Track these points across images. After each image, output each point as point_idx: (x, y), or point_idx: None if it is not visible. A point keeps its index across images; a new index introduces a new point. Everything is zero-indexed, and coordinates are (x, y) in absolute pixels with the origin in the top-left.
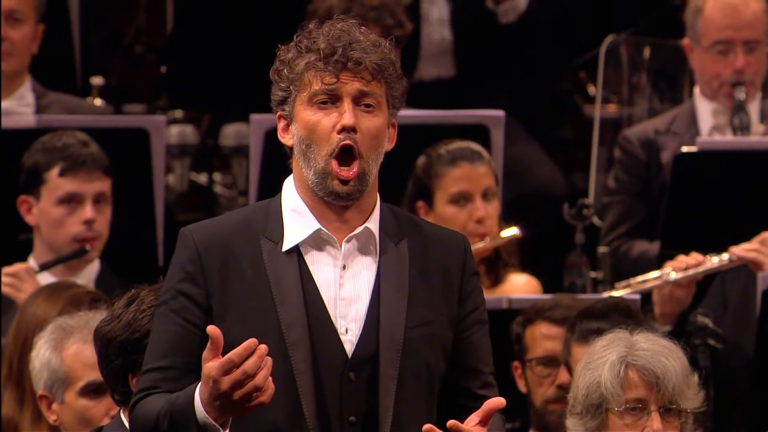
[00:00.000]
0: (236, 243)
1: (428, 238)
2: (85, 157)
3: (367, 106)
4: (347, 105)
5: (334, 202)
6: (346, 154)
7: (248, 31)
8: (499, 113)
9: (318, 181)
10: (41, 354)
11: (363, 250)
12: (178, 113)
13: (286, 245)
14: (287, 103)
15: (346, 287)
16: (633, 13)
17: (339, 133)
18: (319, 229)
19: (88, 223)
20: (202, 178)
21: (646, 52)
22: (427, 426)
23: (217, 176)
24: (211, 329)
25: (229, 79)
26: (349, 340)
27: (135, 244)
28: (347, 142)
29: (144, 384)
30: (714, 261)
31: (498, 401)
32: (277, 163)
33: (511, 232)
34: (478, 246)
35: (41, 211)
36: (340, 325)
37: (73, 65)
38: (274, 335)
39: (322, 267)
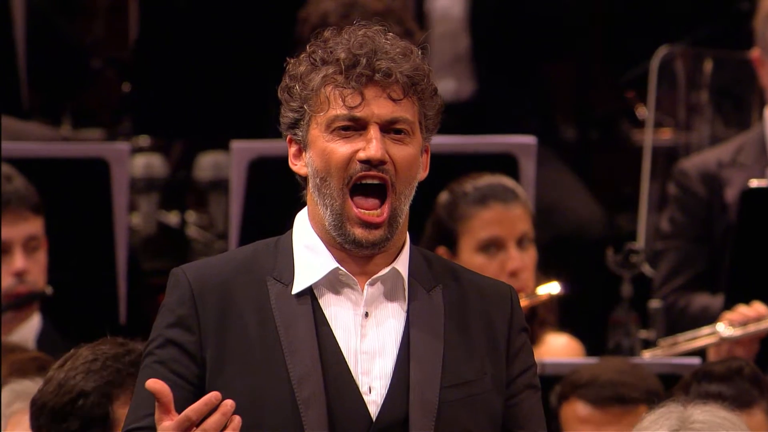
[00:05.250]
0: (238, 284)
1: (468, 287)
2: (8, 195)
3: (397, 132)
4: (374, 132)
5: (355, 252)
6: (372, 192)
7: (228, 41)
8: (530, 140)
9: (336, 224)
10: None
11: (389, 296)
12: (144, 140)
13: (298, 287)
14: (299, 126)
15: (369, 338)
16: (691, 21)
17: (362, 162)
18: (337, 269)
19: (19, 274)
20: (173, 217)
21: (707, 67)
22: None
23: (191, 216)
24: (151, 383)
25: (204, 99)
26: (374, 401)
27: (91, 299)
28: (374, 172)
29: None
30: None
31: None
32: (263, 199)
33: (551, 288)
34: None
35: None
36: (362, 383)
37: (17, 82)
38: (282, 391)
39: (340, 313)
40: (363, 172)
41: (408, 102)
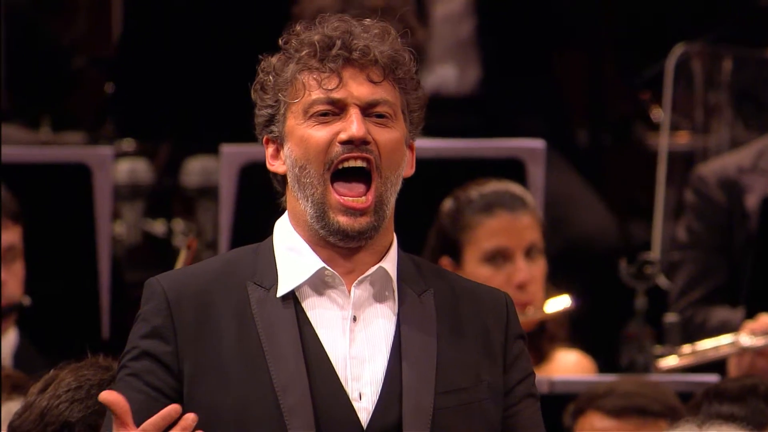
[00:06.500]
0: (216, 291)
1: (460, 293)
2: None
3: (380, 116)
4: (354, 111)
5: (341, 244)
6: (356, 178)
7: (217, 38)
8: (538, 144)
9: (318, 215)
10: None
11: (378, 297)
12: (128, 144)
13: (282, 290)
14: (275, 121)
15: (358, 342)
16: (709, 17)
17: (343, 144)
18: (323, 269)
19: None
20: (159, 226)
21: (726, 66)
22: None
23: (178, 224)
24: (105, 395)
25: (193, 100)
26: (364, 408)
27: (72, 312)
28: (356, 153)
29: None
30: None
31: None
32: (254, 207)
33: (561, 302)
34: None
35: None
36: (351, 389)
37: None
38: (266, 399)
39: (326, 316)
40: (345, 154)
41: (388, 85)
